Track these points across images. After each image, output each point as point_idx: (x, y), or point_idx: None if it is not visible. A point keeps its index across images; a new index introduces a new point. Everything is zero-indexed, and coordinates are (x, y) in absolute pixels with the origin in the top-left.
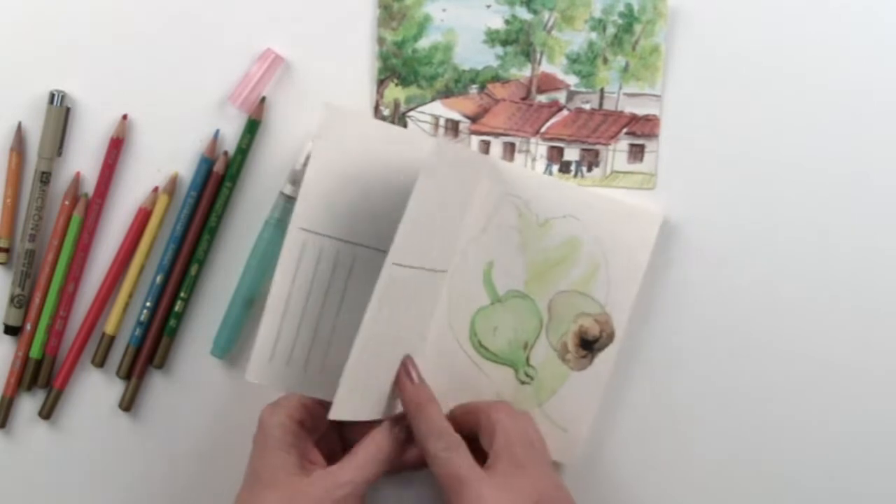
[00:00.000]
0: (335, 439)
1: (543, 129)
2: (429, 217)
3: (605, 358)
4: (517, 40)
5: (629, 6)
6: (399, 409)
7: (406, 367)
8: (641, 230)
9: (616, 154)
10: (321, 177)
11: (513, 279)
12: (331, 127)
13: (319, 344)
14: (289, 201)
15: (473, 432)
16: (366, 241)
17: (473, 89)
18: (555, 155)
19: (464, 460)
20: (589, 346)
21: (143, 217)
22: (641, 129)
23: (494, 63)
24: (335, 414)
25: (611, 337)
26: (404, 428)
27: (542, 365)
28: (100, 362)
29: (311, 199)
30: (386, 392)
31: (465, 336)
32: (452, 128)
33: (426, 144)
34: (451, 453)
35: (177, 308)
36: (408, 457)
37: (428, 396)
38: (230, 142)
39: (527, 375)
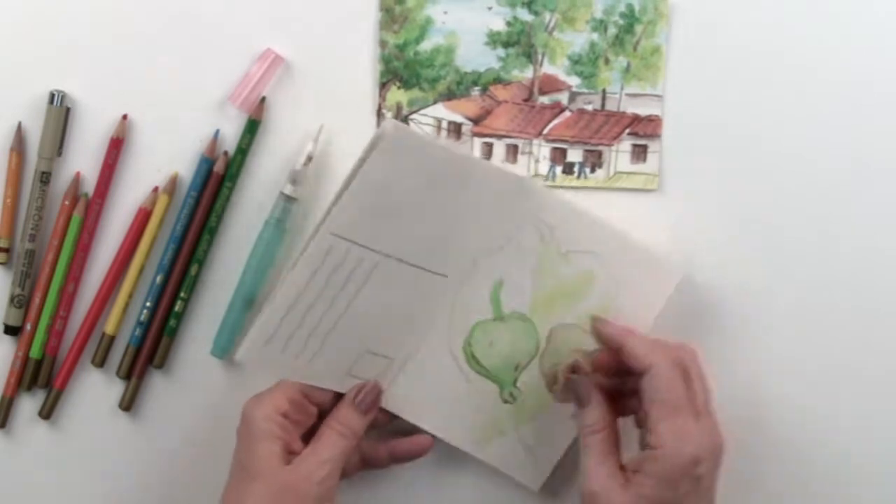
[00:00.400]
0: None
1: (546, 131)
2: (398, 205)
3: None
4: (519, 42)
5: (630, 6)
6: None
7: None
8: (658, 283)
9: (619, 155)
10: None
11: (519, 300)
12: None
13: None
14: (289, 201)
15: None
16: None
17: (475, 91)
18: (558, 156)
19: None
20: None
21: (143, 217)
22: (644, 130)
23: (496, 65)
24: (239, 354)
25: None
26: (365, 398)
27: (528, 389)
28: (100, 362)
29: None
30: (343, 368)
31: (458, 344)
32: (455, 130)
33: (486, 171)
34: (676, 370)
35: (177, 308)
36: (381, 454)
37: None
38: (230, 142)
39: (511, 396)
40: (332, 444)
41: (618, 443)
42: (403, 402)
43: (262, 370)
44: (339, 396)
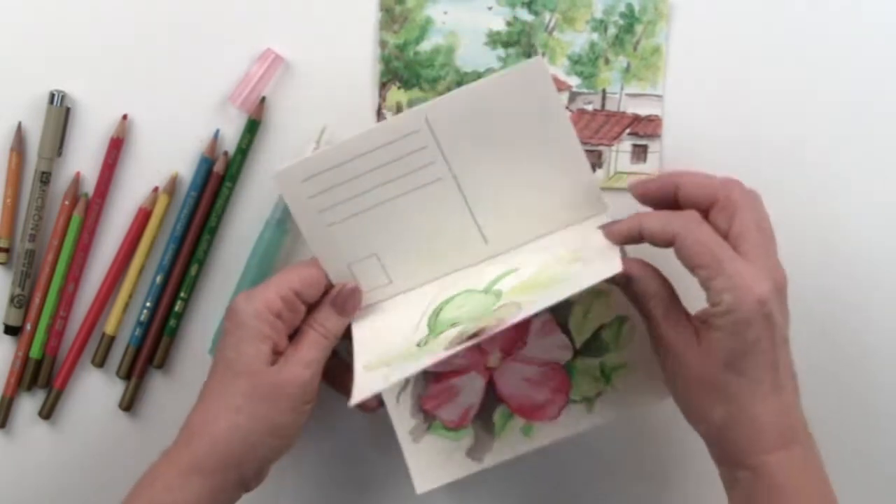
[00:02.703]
0: None
1: None
2: (496, 140)
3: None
4: (519, 42)
5: (630, 6)
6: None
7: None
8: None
9: (619, 155)
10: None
11: (510, 284)
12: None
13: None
14: None
15: (702, 207)
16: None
17: None
18: None
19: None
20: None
21: (143, 217)
22: (644, 130)
23: (496, 65)
24: (278, 170)
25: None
26: (341, 299)
27: (434, 341)
28: (100, 362)
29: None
30: (348, 257)
31: (437, 301)
32: None
33: (587, 172)
34: (702, 226)
35: (177, 308)
36: (347, 381)
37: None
38: (230, 142)
39: (424, 341)
40: (314, 345)
41: (679, 300)
42: (365, 328)
43: (287, 198)
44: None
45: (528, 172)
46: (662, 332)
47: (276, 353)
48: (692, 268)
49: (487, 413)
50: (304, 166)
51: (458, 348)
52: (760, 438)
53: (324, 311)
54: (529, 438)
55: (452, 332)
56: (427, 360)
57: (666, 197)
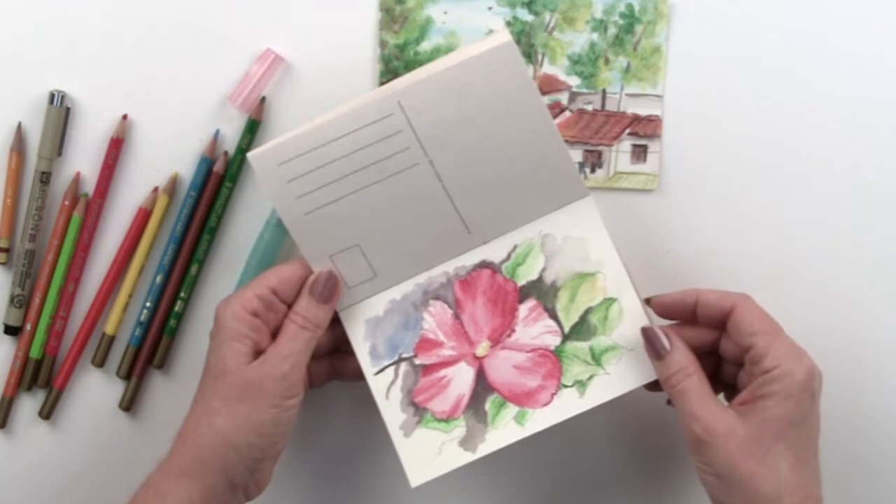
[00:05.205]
0: None
1: None
2: (470, 125)
3: None
4: (519, 42)
5: (630, 6)
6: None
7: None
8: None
9: (619, 155)
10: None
11: None
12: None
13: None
14: None
15: (717, 321)
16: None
17: None
18: None
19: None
20: None
21: (143, 217)
22: (644, 130)
23: None
24: (253, 153)
25: None
26: (318, 287)
27: None
28: (100, 362)
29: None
30: (329, 247)
31: None
32: None
33: (566, 156)
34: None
35: (177, 308)
36: (350, 368)
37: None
38: (230, 142)
39: None
40: (293, 337)
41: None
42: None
43: (263, 182)
44: None
45: (505, 158)
46: (700, 410)
47: (259, 353)
48: (751, 334)
49: (479, 402)
50: (277, 149)
51: None
52: None
53: (302, 302)
54: (522, 426)
55: None
56: None
57: (685, 311)
